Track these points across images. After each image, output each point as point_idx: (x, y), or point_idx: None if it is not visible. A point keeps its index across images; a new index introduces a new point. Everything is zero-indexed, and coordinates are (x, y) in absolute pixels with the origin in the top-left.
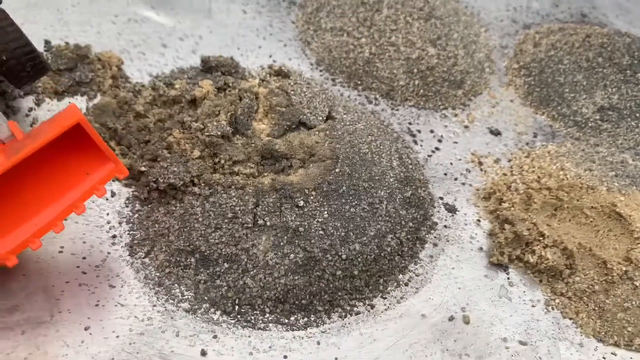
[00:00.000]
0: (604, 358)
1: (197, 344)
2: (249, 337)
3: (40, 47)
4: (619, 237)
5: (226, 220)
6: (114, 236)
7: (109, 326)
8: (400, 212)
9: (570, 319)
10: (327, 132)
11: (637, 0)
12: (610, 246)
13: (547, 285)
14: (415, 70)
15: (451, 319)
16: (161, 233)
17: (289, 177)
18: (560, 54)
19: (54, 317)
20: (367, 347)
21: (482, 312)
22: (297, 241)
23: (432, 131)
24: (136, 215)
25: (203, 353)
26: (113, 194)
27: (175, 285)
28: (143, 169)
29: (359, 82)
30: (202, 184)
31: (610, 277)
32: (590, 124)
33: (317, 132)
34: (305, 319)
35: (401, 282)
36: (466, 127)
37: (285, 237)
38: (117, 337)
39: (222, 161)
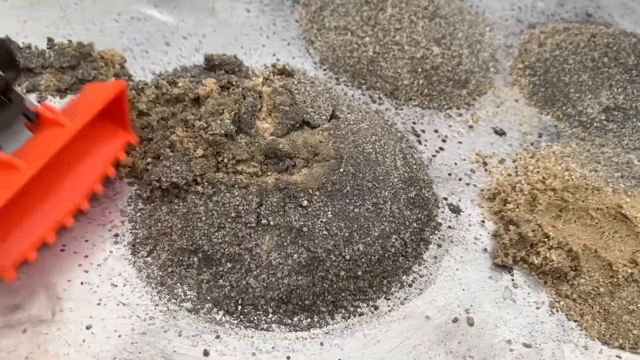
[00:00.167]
0: None
1: (199, 344)
2: (252, 337)
3: (43, 44)
4: (625, 239)
5: (229, 220)
6: (117, 235)
7: (111, 325)
8: (405, 212)
9: (575, 321)
10: (331, 131)
11: None
12: (616, 248)
13: (551, 287)
14: (420, 70)
15: (455, 320)
16: (164, 232)
17: (293, 176)
18: (565, 53)
19: (56, 316)
20: (370, 349)
21: (487, 314)
22: (300, 241)
23: (436, 131)
24: (139, 214)
25: (206, 353)
26: (116, 192)
27: (178, 284)
28: (147, 166)
29: (363, 81)
30: (206, 183)
31: (615, 279)
32: (595, 124)
33: (320, 132)
34: (309, 320)
35: (405, 283)
36: (471, 127)
37: (289, 237)
38: (119, 336)
39: (226, 160)
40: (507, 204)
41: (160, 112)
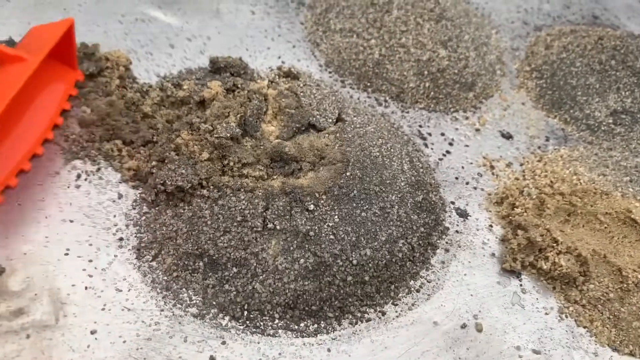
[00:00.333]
0: None
1: (205, 350)
2: (258, 343)
3: None
4: (634, 244)
5: (235, 224)
6: (121, 239)
7: (116, 331)
8: (412, 216)
9: (585, 327)
10: (337, 134)
11: None
12: (625, 253)
13: (560, 292)
14: (426, 72)
15: (463, 326)
16: (169, 236)
17: (299, 180)
18: (572, 56)
19: (60, 321)
20: (378, 355)
21: (495, 320)
22: (307, 246)
23: (442, 134)
24: (143, 218)
25: (212, 359)
26: (120, 196)
27: (183, 289)
28: (152, 170)
29: (369, 84)
30: (211, 187)
31: (625, 285)
32: (603, 128)
33: (327, 135)
34: (316, 326)
35: (412, 289)
36: (477, 130)
37: (295, 242)
38: (124, 342)
39: (231, 163)
40: (515, 208)
41: (165, 115)
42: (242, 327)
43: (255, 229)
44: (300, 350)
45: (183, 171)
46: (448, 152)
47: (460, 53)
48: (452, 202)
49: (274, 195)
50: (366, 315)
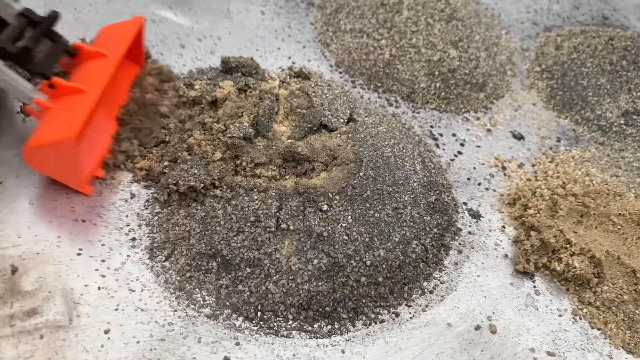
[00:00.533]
0: None
1: (219, 351)
2: (272, 344)
3: None
4: None
5: (248, 224)
6: (134, 239)
7: (129, 331)
8: (425, 217)
9: (599, 329)
10: (350, 134)
11: None
12: (639, 254)
13: (574, 294)
14: (437, 73)
15: (477, 328)
16: (182, 236)
17: (312, 180)
18: (583, 56)
19: (73, 322)
20: (392, 357)
21: (509, 322)
22: (320, 246)
23: (454, 135)
24: (156, 218)
25: None
26: (133, 196)
27: (197, 289)
28: (164, 170)
29: (380, 84)
30: (224, 187)
31: (639, 287)
32: (614, 129)
33: (338, 135)
34: (329, 327)
35: (426, 290)
36: (489, 130)
37: (309, 242)
38: (138, 342)
39: (244, 163)
40: (528, 210)
41: (177, 115)
42: (255, 328)
43: (268, 229)
44: (314, 352)
45: (195, 171)
46: (460, 152)
47: (471, 53)
48: (465, 203)
49: (287, 195)
50: (380, 316)
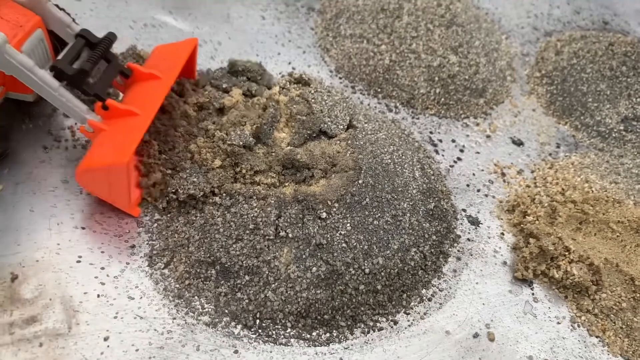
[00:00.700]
0: None
1: (218, 359)
2: (271, 352)
3: None
4: None
5: (247, 231)
6: (133, 246)
7: (128, 339)
8: (424, 224)
9: (597, 337)
10: (349, 141)
11: None
12: (638, 262)
13: (572, 301)
14: (437, 78)
15: (476, 335)
16: (181, 243)
17: (311, 187)
18: (582, 62)
19: (72, 330)
20: None
21: (507, 329)
22: (319, 254)
23: (453, 141)
24: (155, 225)
25: None
26: None
27: (196, 297)
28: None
29: (379, 90)
30: (223, 194)
31: (638, 295)
32: (614, 135)
33: (338, 142)
34: (328, 335)
35: (425, 297)
36: (488, 136)
37: (308, 250)
38: (137, 350)
39: (244, 171)
40: (527, 216)
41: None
42: (254, 336)
43: (267, 236)
44: None
45: (195, 179)
46: (459, 158)
47: (470, 59)
48: (464, 210)
49: (286, 203)
50: (378, 324)
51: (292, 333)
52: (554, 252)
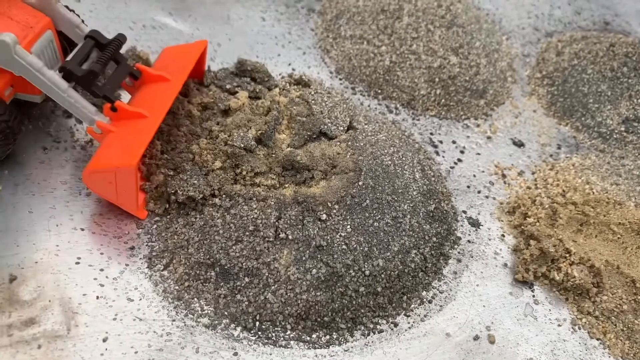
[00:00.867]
0: None
1: None
2: (270, 354)
3: None
4: None
5: (247, 233)
6: (132, 247)
7: (127, 341)
8: (424, 226)
9: (598, 339)
10: (349, 143)
11: None
12: (639, 264)
13: (573, 303)
14: (437, 79)
15: (476, 338)
16: (180, 245)
17: (311, 189)
18: (584, 63)
19: (71, 331)
20: None
21: (508, 331)
22: (319, 256)
23: (454, 142)
24: (155, 226)
25: None
26: None
27: (195, 299)
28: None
29: (379, 91)
30: (223, 196)
31: (639, 297)
32: (615, 136)
33: (338, 143)
34: (328, 337)
35: (425, 300)
36: (489, 137)
37: (308, 252)
38: (136, 352)
39: (244, 172)
40: (527, 218)
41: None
42: (254, 338)
43: (267, 238)
44: None
45: (195, 181)
46: (459, 160)
47: (471, 60)
48: (464, 212)
49: (286, 204)
50: (378, 326)
51: (292, 335)
52: (554, 254)
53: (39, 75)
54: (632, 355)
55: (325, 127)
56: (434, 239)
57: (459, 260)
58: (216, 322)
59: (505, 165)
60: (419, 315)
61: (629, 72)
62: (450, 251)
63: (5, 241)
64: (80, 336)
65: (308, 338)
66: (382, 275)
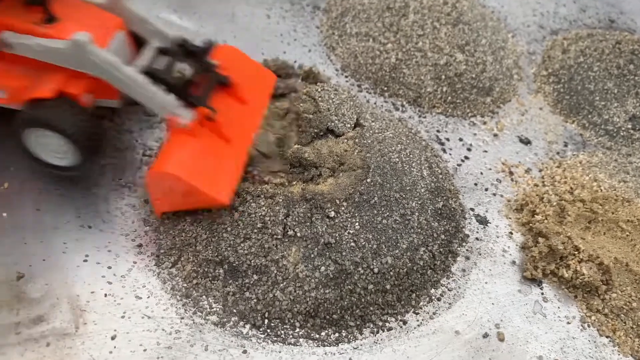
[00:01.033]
0: None
1: (226, 359)
2: (280, 352)
3: None
4: None
5: (255, 230)
6: (140, 245)
7: (136, 339)
8: (432, 224)
9: (607, 337)
10: (356, 140)
11: None
12: None
13: (582, 301)
14: (443, 77)
15: (485, 336)
16: (188, 242)
17: (319, 186)
18: (589, 60)
19: (80, 329)
20: None
21: (517, 329)
22: (328, 253)
23: (461, 139)
24: (162, 224)
25: None
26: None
27: (203, 297)
28: None
29: (386, 89)
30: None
31: None
32: (622, 133)
33: (345, 140)
34: (337, 335)
35: (434, 297)
36: (495, 135)
37: (316, 249)
38: (145, 350)
39: (254, 172)
40: (536, 215)
41: None
42: (263, 336)
43: (275, 235)
44: None
45: None
46: (467, 157)
47: (477, 57)
48: (472, 209)
49: (295, 201)
50: (387, 324)
51: (300, 333)
52: (563, 252)
53: (115, 72)
54: None
55: (333, 124)
56: (442, 236)
57: (468, 258)
58: (225, 319)
59: (512, 163)
60: (428, 313)
61: (635, 70)
62: (458, 249)
63: (12, 239)
64: (88, 334)
65: (317, 336)
66: (391, 273)
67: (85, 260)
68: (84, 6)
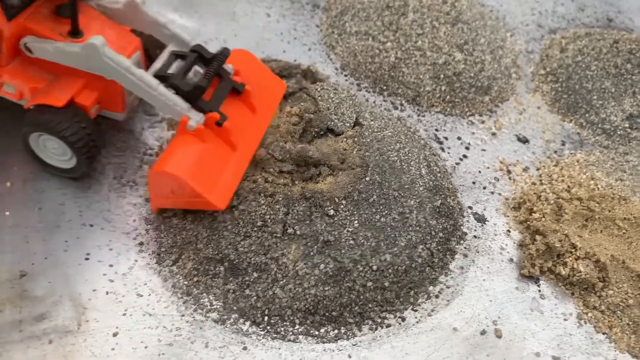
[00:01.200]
0: None
1: (227, 356)
2: (279, 349)
3: None
4: None
5: (255, 229)
6: (141, 243)
7: (138, 336)
8: (431, 222)
9: (604, 333)
10: (356, 139)
11: None
12: None
13: (579, 298)
14: (442, 76)
15: (483, 332)
16: (189, 240)
17: (318, 185)
18: (587, 59)
19: (82, 327)
20: None
21: (514, 326)
22: (327, 251)
23: (459, 138)
24: (163, 222)
25: None
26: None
27: (204, 294)
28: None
29: (385, 87)
30: None
31: None
32: (619, 132)
33: (344, 139)
34: (336, 331)
35: (432, 294)
36: (493, 134)
37: (315, 247)
38: (146, 347)
39: (264, 174)
40: (533, 214)
41: None
42: (263, 333)
43: (275, 234)
44: (321, 356)
45: None
46: (465, 156)
47: (476, 56)
48: (470, 207)
49: (294, 200)
50: (386, 321)
51: (300, 330)
52: (560, 249)
53: (129, 75)
54: (637, 349)
55: (332, 123)
56: (441, 234)
57: (466, 256)
58: (225, 316)
59: (510, 162)
60: (426, 310)
61: (632, 69)
62: (456, 246)
63: (15, 237)
64: (90, 331)
65: (316, 332)
66: (390, 270)
67: (86, 259)
68: (111, 26)
